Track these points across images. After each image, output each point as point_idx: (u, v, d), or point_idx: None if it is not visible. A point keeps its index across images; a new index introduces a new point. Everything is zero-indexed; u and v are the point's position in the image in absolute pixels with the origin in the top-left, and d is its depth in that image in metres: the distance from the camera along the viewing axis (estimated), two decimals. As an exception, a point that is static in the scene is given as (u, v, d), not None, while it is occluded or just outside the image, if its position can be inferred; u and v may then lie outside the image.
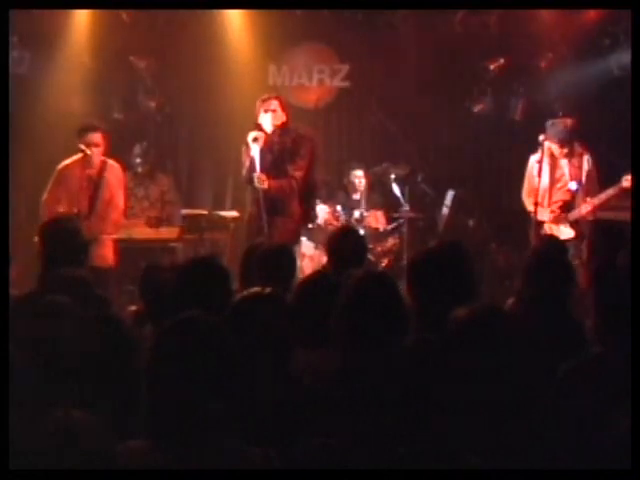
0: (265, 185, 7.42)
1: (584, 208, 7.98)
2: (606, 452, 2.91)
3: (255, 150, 7.45)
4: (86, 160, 7.77)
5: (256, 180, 7.43)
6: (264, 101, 7.69)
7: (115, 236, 7.94)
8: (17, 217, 9.00)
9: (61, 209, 7.70)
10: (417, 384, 2.58)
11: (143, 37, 10.15)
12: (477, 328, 3.19)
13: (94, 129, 7.87)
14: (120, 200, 8.01)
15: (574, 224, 8.00)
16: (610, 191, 7.90)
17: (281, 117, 7.68)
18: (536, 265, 4.66)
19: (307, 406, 3.33)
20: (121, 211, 8.03)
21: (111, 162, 8.00)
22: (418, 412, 2.58)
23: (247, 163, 7.57)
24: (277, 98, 7.77)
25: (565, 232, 7.97)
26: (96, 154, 7.80)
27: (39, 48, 9.83)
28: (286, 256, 5.25)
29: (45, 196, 7.85)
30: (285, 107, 7.75)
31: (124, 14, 9.84)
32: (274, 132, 7.61)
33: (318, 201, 8.99)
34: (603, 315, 3.55)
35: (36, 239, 5.55)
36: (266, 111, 7.63)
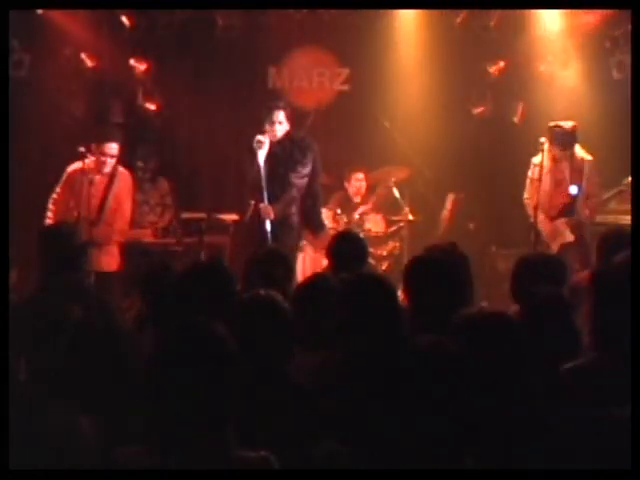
0: (272, 217, 7.42)
1: (585, 212, 7.98)
2: (606, 452, 2.92)
3: (261, 156, 7.47)
4: (97, 166, 7.74)
5: (263, 213, 7.44)
6: (270, 111, 7.67)
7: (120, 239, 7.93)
8: (17, 221, 8.99)
9: (67, 211, 7.69)
10: (416, 385, 2.58)
11: (143, 40, 10.15)
12: (478, 332, 3.19)
13: (114, 139, 7.80)
14: (128, 208, 7.99)
15: (574, 228, 7.99)
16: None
17: (286, 127, 7.69)
18: (527, 276, 4.67)
19: (306, 408, 3.33)
20: (128, 219, 8.02)
21: (122, 169, 7.97)
22: (417, 413, 2.58)
23: (254, 169, 7.54)
24: (284, 109, 7.74)
25: (565, 236, 7.97)
26: (109, 164, 7.77)
27: (39, 51, 9.83)
28: (285, 260, 5.26)
29: (54, 196, 7.85)
30: (290, 116, 7.75)
31: (124, 17, 9.84)
32: (279, 142, 7.61)
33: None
34: (601, 318, 3.56)
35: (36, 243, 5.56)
36: (272, 123, 7.61)
